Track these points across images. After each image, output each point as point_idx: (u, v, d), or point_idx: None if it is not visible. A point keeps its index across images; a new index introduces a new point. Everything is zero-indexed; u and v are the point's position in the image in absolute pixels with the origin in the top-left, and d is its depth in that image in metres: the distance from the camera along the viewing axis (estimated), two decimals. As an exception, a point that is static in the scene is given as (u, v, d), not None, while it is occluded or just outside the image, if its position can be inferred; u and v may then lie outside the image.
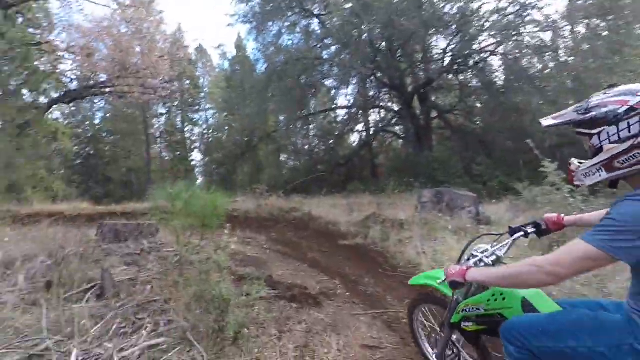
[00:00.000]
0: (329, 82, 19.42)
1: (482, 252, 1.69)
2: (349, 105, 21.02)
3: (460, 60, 15.69)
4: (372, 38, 15.34)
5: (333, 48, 17.03)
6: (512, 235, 1.78)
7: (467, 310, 1.76)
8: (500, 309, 1.62)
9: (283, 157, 31.30)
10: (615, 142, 1.17)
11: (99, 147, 33.48)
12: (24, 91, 21.61)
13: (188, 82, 34.68)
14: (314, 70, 17.17)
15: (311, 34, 17.43)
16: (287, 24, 17.60)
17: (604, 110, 1.18)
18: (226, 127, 29.72)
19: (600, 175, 1.25)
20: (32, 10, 22.14)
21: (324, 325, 3.13)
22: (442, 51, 16.49)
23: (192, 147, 39.14)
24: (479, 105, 18.25)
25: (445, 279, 1.53)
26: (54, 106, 23.97)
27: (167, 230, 4.28)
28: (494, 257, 1.66)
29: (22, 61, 18.81)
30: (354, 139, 24.31)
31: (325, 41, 17.13)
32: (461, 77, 17.43)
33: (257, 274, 3.63)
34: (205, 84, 40.52)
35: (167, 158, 38.17)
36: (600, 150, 1.22)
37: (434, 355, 2.26)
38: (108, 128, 34.79)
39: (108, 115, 35.56)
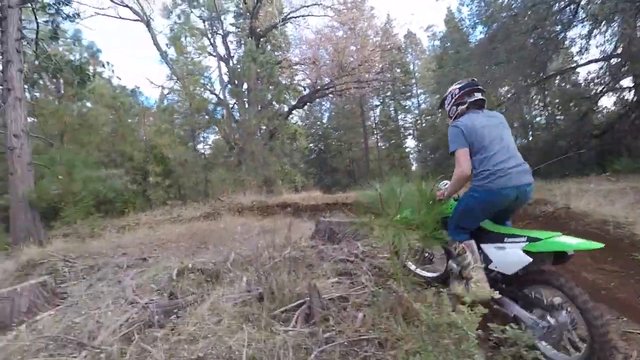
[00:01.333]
0: (572, 33, 14.68)
1: (444, 185, 2.83)
2: (606, 56, 15.33)
3: None
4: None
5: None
6: None
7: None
8: (448, 213, 2.69)
9: (509, 135, 26.79)
10: (448, 104, 2.75)
11: (327, 142, 38.36)
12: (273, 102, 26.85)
13: (399, 69, 34.81)
14: (553, 19, 13.21)
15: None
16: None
17: (447, 93, 2.79)
18: (439, 110, 27.97)
19: (449, 119, 2.75)
20: (275, 36, 27.15)
21: None
22: None
23: (406, 134, 39.37)
24: None
25: (437, 198, 2.72)
26: (293, 112, 28.84)
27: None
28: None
29: (269, 78, 23.23)
30: (611, 101, 17.83)
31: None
32: None
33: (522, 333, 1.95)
34: (416, 69, 39.83)
35: (383, 147, 39.89)
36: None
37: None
38: (333, 125, 39.37)
39: (332, 113, 40.26)
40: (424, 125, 34.76)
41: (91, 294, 3.58)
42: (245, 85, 23.34)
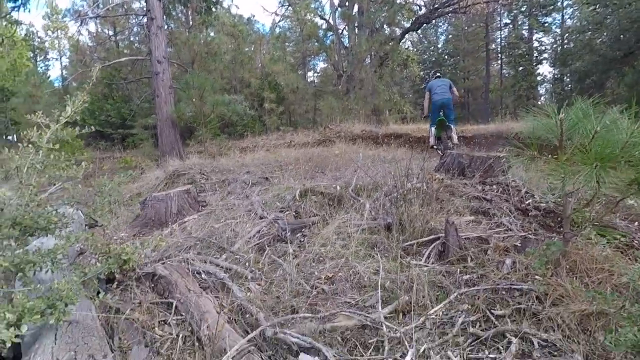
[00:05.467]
0: None
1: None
2: None
3: None
4: None
5: None
6: None
7: None
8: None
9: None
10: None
11: (441, 69, 34.76)
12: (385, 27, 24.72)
13: (543, -24, 28.26)
14: None
15: None
16: None
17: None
18: (590, 28, 22.02)
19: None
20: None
21: None
22: None
23: (541, 58, 33.12)
24: None
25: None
26: (406, 35, 26.31)
27: (530, 171, 3.05)
28: None
29: (383, -4, 21.15)
30: None
31: None
32: None
33: None
34: (566, -26, 31.87)
35: (507, 75, 34.62)
36: None
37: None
38: (449, 50, 35.22)
39: (450, 36, 35.80)
40: (569, 46, 28.48)
41: (225, 204, 3.92)
42: (356, 7, 21.79)
